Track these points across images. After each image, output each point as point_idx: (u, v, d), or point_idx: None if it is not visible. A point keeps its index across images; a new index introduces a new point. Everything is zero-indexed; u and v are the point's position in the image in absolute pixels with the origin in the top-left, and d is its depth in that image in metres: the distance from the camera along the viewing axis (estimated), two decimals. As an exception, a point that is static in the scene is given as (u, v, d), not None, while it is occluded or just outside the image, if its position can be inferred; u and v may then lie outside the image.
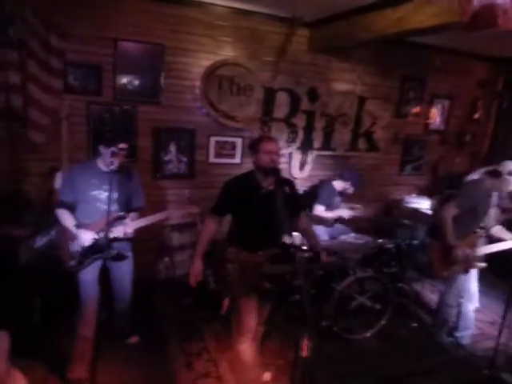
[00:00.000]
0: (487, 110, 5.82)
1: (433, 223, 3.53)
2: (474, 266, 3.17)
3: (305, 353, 2.05)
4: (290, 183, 2.61)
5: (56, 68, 3.34)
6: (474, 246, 3.14)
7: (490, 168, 3.21)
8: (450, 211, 3.09)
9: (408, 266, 4.17)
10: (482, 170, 3.37)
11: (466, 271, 3.18)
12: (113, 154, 2.41)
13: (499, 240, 3.27)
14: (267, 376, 2.85)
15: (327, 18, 3.90)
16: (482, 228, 3.20)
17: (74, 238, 2.56)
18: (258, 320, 2.71)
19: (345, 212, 4.08)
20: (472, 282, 3.30)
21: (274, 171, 2.30)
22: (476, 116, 5.77)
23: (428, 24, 2.98)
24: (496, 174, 3.06)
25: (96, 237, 2.56)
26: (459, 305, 3.39)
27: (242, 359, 2.58)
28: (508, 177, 2.98)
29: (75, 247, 2.56)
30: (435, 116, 5.52)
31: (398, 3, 3.12)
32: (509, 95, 5.60)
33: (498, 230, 3.31)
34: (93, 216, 2.58)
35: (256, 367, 2.70)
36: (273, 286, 2.48)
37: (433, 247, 3.26)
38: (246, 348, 2.56)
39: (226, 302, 3.02)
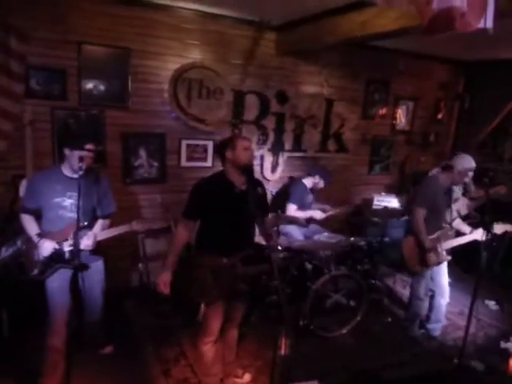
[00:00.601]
0: (449, 110, 6.08)
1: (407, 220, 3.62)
2: (442, 260, 3.29)
3: (284, 351, 2.06)
4: (260, 184, 2.61)
5: (17, 72, 3.21)
6: (441, 240, 3.26)
7: (443, 163, 3.35)
8: (420, 214, 3.17)
9: (380, 263, 4.27)
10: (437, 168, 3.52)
11: (437, 264, 3.29)
12: (80, 160, 2.29)
13: (460, 233, 3.43)
14: (247, 377, 2.84)
15: (294, 21, 3.96)
16: (446, 222, 3.34)
17: (36, 246, 2.48)
18: (234, 323, 2.70)
19: (317, 213, 4.13)
20: (442, 275, 3.41)
21: (251, 168, 2.30)
22: (439, 117, 6.01)
23: (390, 28, 3.09)
24: (448, 169, 3.19)
25: (56, 247, 2.48)
26: (431, 297, 3.50)
27: (204, 359, 2.61)
28: (461, 170, 3.12)
29: (38, 256, 2.47)
30: (400, 117, 5.70)
31: (362, 7, 3.22)
32: (469, 97, 5.87)
33: (457, 224, 3.46)
34: (56, 224, 2.50)
35: (218, 367, 2.71)
36: (247, 287, 2.48)
37: (405, 243, 3.34)
38: (209, 349, 2.59)
39: (203, 309, 2.96)
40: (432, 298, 3.50)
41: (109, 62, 3.58)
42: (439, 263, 3.30)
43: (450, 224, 3.37)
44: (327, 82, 4.85)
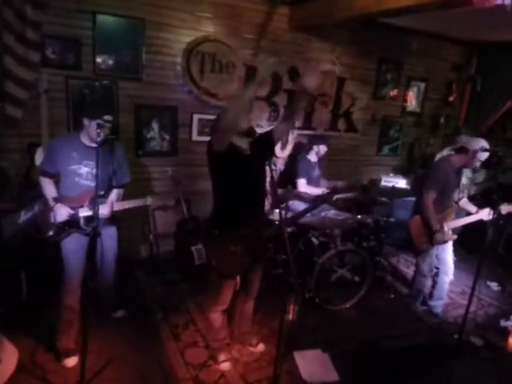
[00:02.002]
0: (461, 93, 6.03)
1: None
2: (448, 238, 3.34)
3: (291, 316, 2.15)
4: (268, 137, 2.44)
5: (33, 40, 3.22)
6: (448, 219, 3.29)
7: (458, 145, 3.36)
8: (430, 197, 3.19)
9: (385, 242, 4.33)
10: (449, 148, 3.51)
11: (443, 243, 3.34)
12: (99, 126, 2.35)
13: (466, 212, 3.47)
14: (260, 347, 2.94)
15: (308, -4, 3.94)
16: (453, 201, 3.37)
17: (51, 209, 2.55)
18: (251, 296, 2.78)
19: (323, 186, 4.17)
20: (447, 253, 3.45)
21: (253, 131, 2.36)
22: (450, 99, 5.97)
23: (406, 3, 3.07)
24: (463, 151, 3.21)
25: (72, 212, 2.54)
26: (435, 275, 3.56)
27: (213, 326, 2.72)
28: (475, 152, 3.13)
29: (53, 218, 2.54)
30: (411, 98, 5.67)
31: (379, -17, 3.19)
32: (481, 79, 5.81)
33: (464, 203, 3.49)
34: (73, 190, 2.55)
35: (224, 332, 2.81)
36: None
37: (413, 222, 3.38)
38: (218, 317, 2.70)
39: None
40: (436, 275, 3.56)
41: (123, 33, 3.59)
42: (445, 242, 3.35)
43: (457, 203, 3.41)
44: (339, 60, 4.82)
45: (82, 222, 2.58)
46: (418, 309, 3.64)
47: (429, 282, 3.57)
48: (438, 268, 3.52)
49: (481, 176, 4.65)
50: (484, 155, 3.15)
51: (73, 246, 2.57)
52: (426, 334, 3.33)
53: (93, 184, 2.36)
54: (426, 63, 5.53)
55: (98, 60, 3.56)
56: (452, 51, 5.71)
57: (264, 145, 2.44)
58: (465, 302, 3.15)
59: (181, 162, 4.15)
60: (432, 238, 3.27)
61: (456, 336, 3.19)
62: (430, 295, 3.65)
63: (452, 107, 6.03)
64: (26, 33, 3.17)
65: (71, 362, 2.60)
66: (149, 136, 3.96)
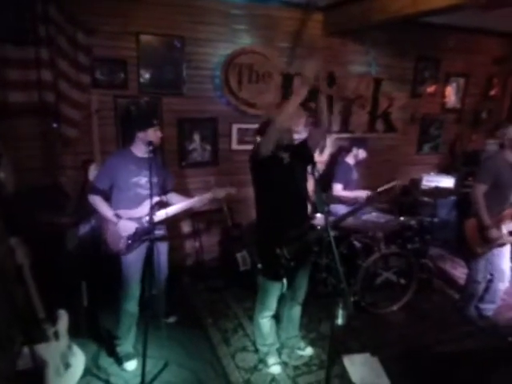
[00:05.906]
0: (503, 86, 5.81)
1: (460, 200, 3.52)
2: (506, 241, 3.20)
3: (341, 321, 2.18)
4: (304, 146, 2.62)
5: (84, 64, 3.45)
6: (506, 221, 3.14)
7: (500, 141, 3.25)
8: (478, 190, 3.13)
9: (430, 243, 4.26)
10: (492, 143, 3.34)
11: (500, 246, 3.21)
12: (155, 130, 2.65)
13: None
14: (309, 350, 3.01)
15: (341, 0, 3.95)
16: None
17: (116, 225, 2.65)
18: (298, 301, 2.85)
19: (362, 193, 4.17)
20: (502, 259, 3.30)
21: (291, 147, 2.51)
22: (492, 93, 5.77)
23: (444, 4, 3.03)
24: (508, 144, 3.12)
25: (137, 226, 2.67)
26: (489, 280, 3.41)
27: (261, 331, 2.81)
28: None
29: (121, 234, 2.65)
30: (451, 95, 5.54)
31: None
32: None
33: None
34: (133, 202, 2.67)
35: (273, 337, 2.89)
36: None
37: (467, 224, 3.28)
38: (267, 322, 2.79)
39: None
40: (490, 281, 3.41)
41: (165, 51, 3.75)
42: (501, 244, 3.21)
43: None
44: (375, 61, 4.80)
45: (149, 229, 2.66)
46: (471, 313, 3.53)
47: (482, 287, 3.45)
48: (492, 274, 3.38)
49: None
50: None
51: (135, 257, 2.72)
52: (478, 338, 3.26)
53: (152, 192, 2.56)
54: (465, 58, 5.37)
55: (143, 78, 3.74)
56: (493, 45, 5.51)
57: (302, 152, 2.55)
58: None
59: (222, 171, 4.27)
60: (485, 236, 3.14)
61: (510, 339, 3.11)
62: (481, 298, 3.53)
63: (494, 101, 5.83)
64: (78, 57, 3.41)
65: (131, 365, 2.77)
66: (191, 147, 4.11)
